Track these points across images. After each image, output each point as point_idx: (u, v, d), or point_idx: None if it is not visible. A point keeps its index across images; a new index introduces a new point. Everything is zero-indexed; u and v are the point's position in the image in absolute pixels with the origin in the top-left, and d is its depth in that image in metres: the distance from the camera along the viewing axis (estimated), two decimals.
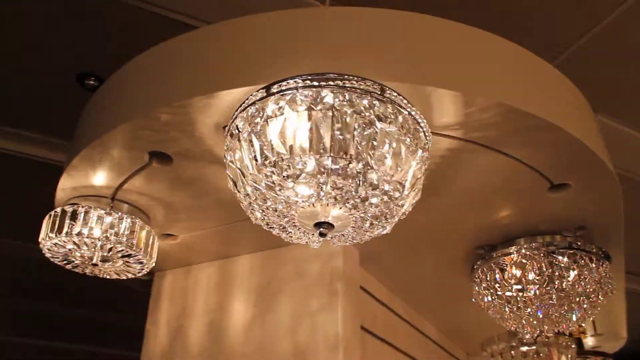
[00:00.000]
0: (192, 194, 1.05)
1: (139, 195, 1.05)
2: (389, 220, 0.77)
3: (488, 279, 1.20)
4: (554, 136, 0.86)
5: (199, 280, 1.31)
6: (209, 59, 0.83)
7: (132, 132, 0.88)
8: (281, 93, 0.71)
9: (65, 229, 1.00)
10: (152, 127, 0.86)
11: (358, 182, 0.69)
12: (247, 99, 0.74)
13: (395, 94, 0.72)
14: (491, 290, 1.20)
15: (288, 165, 0.69)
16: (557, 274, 1.14)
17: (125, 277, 1.15)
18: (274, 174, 0.71)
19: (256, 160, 0.71)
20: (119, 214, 1.02)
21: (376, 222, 0.76)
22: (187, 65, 0.84)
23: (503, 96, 0.79)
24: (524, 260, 1.17)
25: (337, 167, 0.69)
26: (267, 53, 0.79)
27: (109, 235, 1.00)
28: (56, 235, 1.00)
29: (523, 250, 1.17)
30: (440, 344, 1.75)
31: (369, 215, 0.74)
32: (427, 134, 0.76)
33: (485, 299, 1.22)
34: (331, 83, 0.70)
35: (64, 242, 1.01)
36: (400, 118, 0.72)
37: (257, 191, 0.74)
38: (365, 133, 0.69)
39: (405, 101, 0.73)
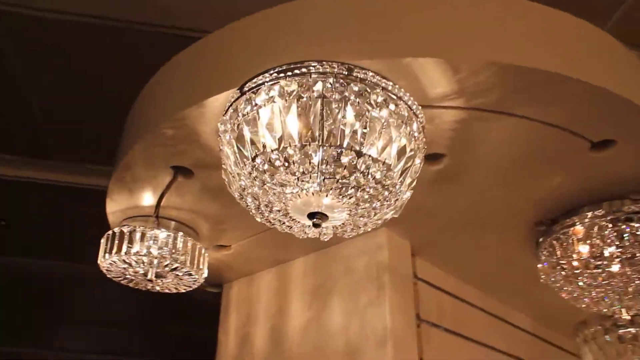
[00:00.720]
0: (225, 202, 1.07)
1: (178, 210, 1.11)
2: (385, 204, 0.74)
3: (552, 256, 1.10)
4: (570, 88, 0.77)
5: (260, 288, 1.34)
6: (197, 69, 0.85)
7: (147, 150, 0.93)
8: (252, 91, 0.72)
9: (114, 249, 1.07)
10: (162, 142, 0.90)
11: (335, 167, 0.67)
12: (228, 102, 0.75)
13: (364, 71, 0.69)
14: (557, 268, 1.09)
15: (263, 161, 0.69)
16: (629, 242, 1.02)
17: (184, 290, 1.20)
18: (254, 170, 0.71)
19: (237, 160, 0.72)
20: (162, 230, 1.08)
21: (369, 207, 0.73)
22: (181, 79, 0.88)
23: (492, 53, 0.72)
24: (590, 231, 1.05)
25: (311, 155, 0.67)
26: (242, 55, 0.80)
27: (153, 252, 1.06)
28: (109, 256, 1.08)
29: (587, 220, 1.05)
30: (536, 334, 1.62)
31: (361, 200, 0.72)
32: (412, 107, 0.72)
33: (553, 279, 1.11)
34: (297, 72, 0.69)
35: (116, 261, 1.08)
36: (373, 95, 0.69)
37: (246, 191, 0.74)
38: (335, 116, 0.67)
39: (377, 77, 0.69)
